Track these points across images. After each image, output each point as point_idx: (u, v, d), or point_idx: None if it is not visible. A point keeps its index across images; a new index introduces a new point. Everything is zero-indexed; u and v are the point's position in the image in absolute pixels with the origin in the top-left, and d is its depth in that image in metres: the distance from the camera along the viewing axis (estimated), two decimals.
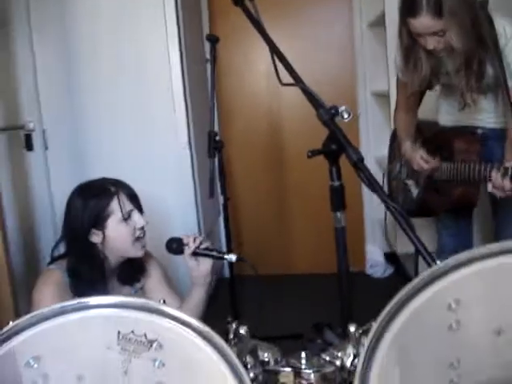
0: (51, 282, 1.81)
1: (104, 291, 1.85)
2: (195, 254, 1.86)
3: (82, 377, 0.91)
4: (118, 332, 0.88)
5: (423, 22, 1.85)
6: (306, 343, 1.12)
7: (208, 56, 2.86)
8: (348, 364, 0.94)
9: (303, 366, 1.01)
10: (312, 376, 1.01)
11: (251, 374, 0.96)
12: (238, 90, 4.03)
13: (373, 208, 3.92)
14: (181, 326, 0.90)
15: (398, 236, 3.44)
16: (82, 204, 1.85)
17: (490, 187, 1.87)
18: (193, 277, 1.91)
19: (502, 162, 1.88)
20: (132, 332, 0.88)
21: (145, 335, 0.89)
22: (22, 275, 2.82)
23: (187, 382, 0.92)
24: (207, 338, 0.89)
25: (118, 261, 1.93)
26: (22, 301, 2.24)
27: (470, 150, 2.10)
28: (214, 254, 1.87)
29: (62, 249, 1.95)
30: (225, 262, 1.89)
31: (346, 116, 1.42)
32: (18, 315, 1.13)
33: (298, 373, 1.00)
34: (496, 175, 1.81)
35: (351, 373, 0.93)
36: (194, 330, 0.90)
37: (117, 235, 1.86)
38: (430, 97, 2.36)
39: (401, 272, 3.67)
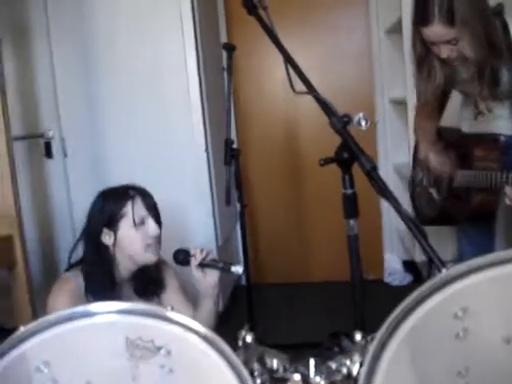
0: (66, 288, 1.83)
1: (117, 297, 1.86)
2: (202, 265, 1.88)
3: (91, 383, 0.92)
4: (126, 338, 0.89)
5: (435, 30, 1.84)
6: (323, 352, 1.12)
7: (225, 64, 2.87)
8: (354, 372, 0.94)
9: (312, 374, 1.00)
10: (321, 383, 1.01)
11: (258, 381, 0.96)
12: (255, 97, 4.05)
13: (391, 216, 3.90)
14: (188, 332, 0.90)
15: (416, 244, 3.41)
16: (101, 205, 1.91)
17: (507, 200, 1.86)
18: (200, 288, 1.93)
19: None
20: (140, 338, 0.89)
21: (152, 341, 0.89)
22: (40, 284, 2.84)
23: None
24: (214, 344, 0.90)
25: (130, 269, 1.94)
26: (40, 309, 2.26)
27: (489, 158, 2.07)
28: (221, 265, 1.88)
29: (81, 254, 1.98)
30: (233, 273, 1.89)
31: (363, 123, 1.42)
32: None
33: (306, 380, 1.00)
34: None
35: (357, 381, 0.92)
36: (201, 336, 0.90)
37: (127, 239, 1.88)
38: (455, 103, 2.34)
39: (419, 280, 3.64)
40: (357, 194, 1.44)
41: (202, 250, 1.88)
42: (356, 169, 1.39)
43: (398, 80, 3.42)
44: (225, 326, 2.09)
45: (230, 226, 3.72)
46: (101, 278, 1.86)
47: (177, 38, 3.12)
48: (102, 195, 1.94)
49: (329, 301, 3.61)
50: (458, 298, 0.85)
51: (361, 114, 1.40)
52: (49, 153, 3.27)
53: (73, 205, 3.30)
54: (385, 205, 3.93)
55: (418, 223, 1.25)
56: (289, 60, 1.52)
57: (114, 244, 1.88)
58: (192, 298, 2.09)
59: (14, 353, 0.93)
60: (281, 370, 1.03)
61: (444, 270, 0.85)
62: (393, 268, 3.97)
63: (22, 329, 0.93)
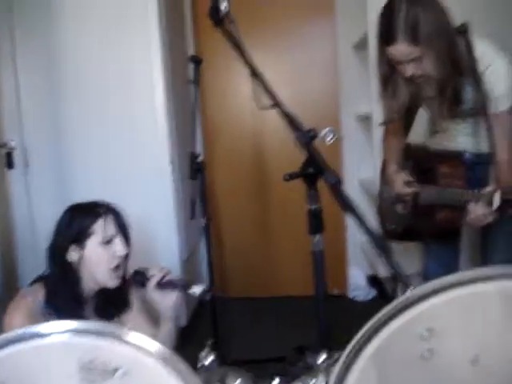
0: (22, 306, 1.76)
1: (79, 315, 1.80)
2: (160, 285, 1.85)
3: None
4: (78, 359, 0.85)
5: (399, 49, 1.85)
6: (287, 367, 1.09)
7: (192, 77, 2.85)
8: None
9: None
10: None
11: None
12: (222, 111, 4.02)
13: (355, 231, 3.90)
14: (144, 353, 0.86)
15: (381, 259, 3.42)
16: (68, 220, 1.84)
17: (471, 217, 1.88)
18: (159, 309, 1.89)
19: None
20: (93, 360, 0.85)
21: (107, 363, 0.85)
22: None
23: None
24: (172, 365, 0.86)
25: (92, 288, 1.88)
26: None
27: (454, 175, 2.09)
28: (179, 286, 1.85)
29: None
30: (190, 294, 1.85)
31: (328, 138, 1.41)
32: None
33: None
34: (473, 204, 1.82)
35: None
36: (159, 357, 0.87)
37: (94, 257, 1.82)
38: (424, 120, 2.35)
39: (384, 295, 3.64)
40: (322, 209, 1.43)
41: (161, 269, 1.85)
42: (322, 183, 1.38)
43: (364, 95, 3.43)
44: (188, 340, 2.06)
45: (194, 240, 3.68)
46: (64, 294, 1.80)
47: (144, 50, 3.10)
48: (70, 210, 1.87)
49: (293, 315, 3.59)
50: (423, 318, 0.84)
51: (327, 129, 1.40)
52: (10, 163, 3.19)
53: (34, 217, 3.22)
54: (349, 220, 3.94)
55: (381, 238, 1.24)
56: (255, 74, 1.50)
57: (80, 261, 1.82)
58: (155, 317, 2.06)
59: None
60: None
61: (409, 291, 0.83)
62: (357, 283, 3.98)
63: None
